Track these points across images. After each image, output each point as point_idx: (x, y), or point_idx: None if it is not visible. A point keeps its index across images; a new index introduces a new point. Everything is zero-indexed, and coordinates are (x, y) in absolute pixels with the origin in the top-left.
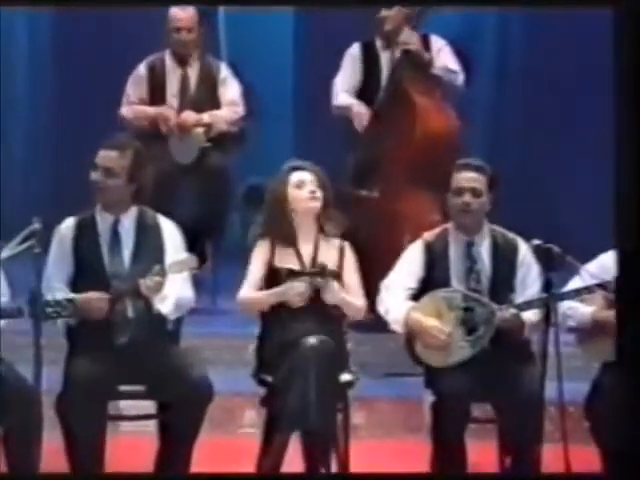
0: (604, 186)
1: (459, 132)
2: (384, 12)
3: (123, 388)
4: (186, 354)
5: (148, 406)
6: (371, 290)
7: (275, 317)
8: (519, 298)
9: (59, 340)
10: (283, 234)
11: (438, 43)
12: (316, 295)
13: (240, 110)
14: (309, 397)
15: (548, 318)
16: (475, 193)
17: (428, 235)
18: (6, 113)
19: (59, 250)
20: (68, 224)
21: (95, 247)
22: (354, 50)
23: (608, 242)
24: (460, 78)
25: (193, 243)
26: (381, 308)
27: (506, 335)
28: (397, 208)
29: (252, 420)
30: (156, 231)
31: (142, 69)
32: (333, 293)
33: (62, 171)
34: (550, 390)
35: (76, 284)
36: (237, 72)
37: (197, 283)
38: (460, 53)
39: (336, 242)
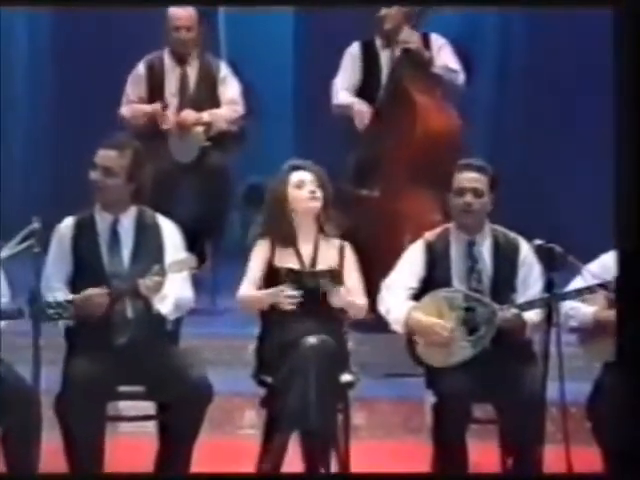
0: (605, 186)
1: (460, 131)
2: (384, 11)
3: (122, 389)
4: (186, 354)
5: (147, 407)
6: (372, 290)
7: (275, 317)
8: (520, 298)
9: (58, 340)
10: (283, 234)
11: (438, 42)
12: (316, 295)
13: (240, 109)
14: (309, 397)
15: (550, 318)
16: (477, 193)
17: (429, 235)
18: (6, 113)
19: (58, 250)
20: (67, 224)
21: (94, 247)
22: (354, 49)
23: (609, 242)
24: (461, 77)
25: (193, 243)
26: (382, 308)
27: (507, 335)
28: (398, 208)
29: (252, 421)
30: (155, 231)
31: (141, 68)
32: (339, 296)
33: (61, 170)
34: (552, 390)
35: (75, 284)
36: (237, 71)
37: (197, 283)
38: (461, 53)
39: (336, 242)
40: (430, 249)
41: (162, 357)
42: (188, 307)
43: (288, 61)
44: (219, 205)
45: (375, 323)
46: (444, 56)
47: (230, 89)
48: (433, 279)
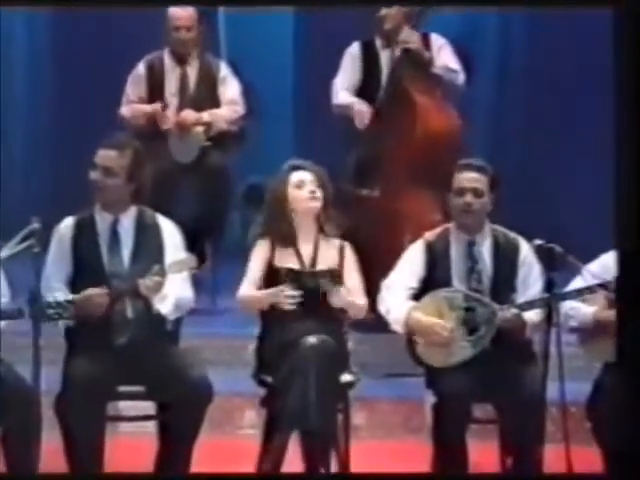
0: (605, 186)
1: (460, 131)
2: (384, 11)
3: (122, 389)
4: (185, 354)
5: (147, 407)
6: (372, 290)
7: (275, 317)
8: (520, 298)
9: (58, 340)
10: (283, 234)
11: (438, 42)
12: (316, 295)
13: (240, 109)
14: (309, 396)
15: (550, 318)
16: (477, 193)
17: (429, 235)
18: (5, 113)
19: (58, 250)
20: (67, 224)
21: (94, 247)
22: (354, 49)
23: (609, 242)
24: (461, 77)
25: (193, 243)
26: (382, 308)
27: (507, 335)
28: (398, 207)
29: (252, 421)
30: (155, 231)
31: (141, 68)
32: (339, 297)
33: (61, 170)
34: (552, 390)
35: (75, 284)
36: (237, 71)
37: (197, 283)
38: (460, 53)
39: (336, 242)
40: (430, 249)
41: (162, 357)
42: (188, 307)
43: (288, 61)
44: (219, 205)
45: (375, 323)
46: (444, 56)
47: (230, 89)
48: (433, 279)
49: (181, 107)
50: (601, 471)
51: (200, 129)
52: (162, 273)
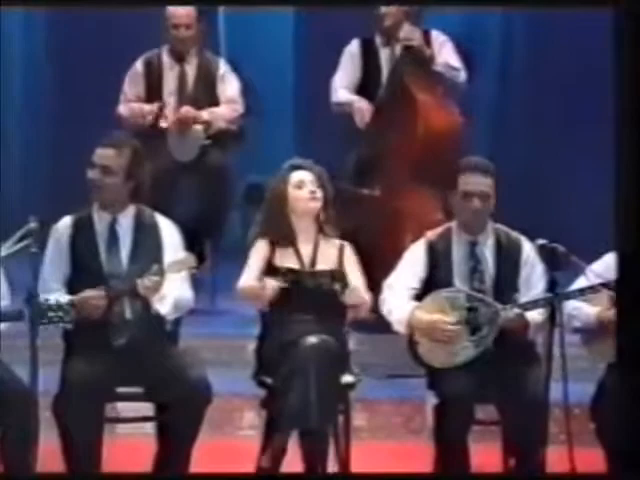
0: (608, 185)
1: (461, 129)
2: (384, 8)
3: (121, 390)
4: (185, 355)
5: (146, 408)
6: (373, 290)
7: (275, 317)
8: (523, 298)
9: (56, 341)
10: (282, 234)
11: (439, 39)
12: (316, 295)
13: (239, 108)
14: (309, 396)
15: (553, 318)
16: (483, 197)
17: (431, 234)
18: (3, 112)
19: (56, 249)
20: (65, 223)
21: (92, 246)
22: (353, 47)
23: (613, 242)
24: (462, 75)
25: (192, 242)
26: (384, 308)
27: (510, 335)
28: (399, 207)
29: (251, 422)
30: (154, 230)
31: (139, 66)
32: (354, 294)
33: (59, 169)
34: (555, 391)
35: (73, 284)
36: (237, 70)
37: (196, 283)
38: (462, 51)
39: (336, 242)
40: (432, 249)
41: (161, 358)
42: (187, 307)
43: (288, 60)
44: (218, 204)
45: (376, 323)
46: (445, 53)
47: (229, 87)
48: (435, 279)
49: (179, 105)
50: (604, 473)
51: (199, 128)
52: (161, 273)
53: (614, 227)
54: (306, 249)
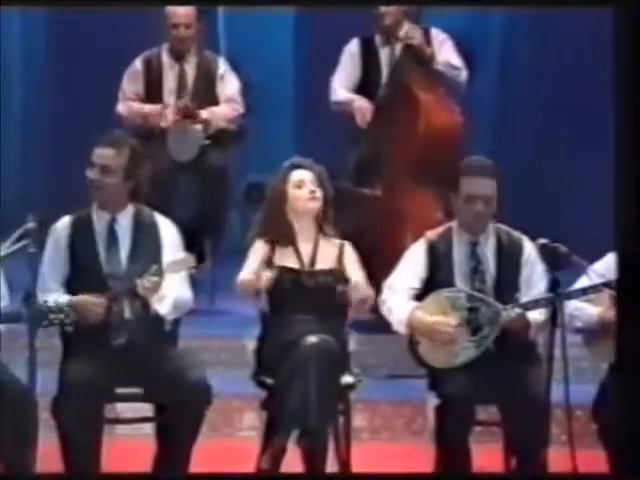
0: (610, 185)
1: (462, 129)
2: (383, 7)
3: (120, 390)
4: (184, 356)
5: (145, 409)
6: (374, 289)
7: (275, 317)
8: (524, 297)
9: (55, 342)
10: (281, 233)
11: (439, 37)
12: (316, 295)
13: (239, 107)
14: (309, 396)
15: (554, 319)
16: (487, 200)
17: (431, 234)
18: (2, 112)
19: (54, 249)
20: (63, 223)
21: (91, 246)
22: (352, 46)
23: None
24: (463, 74)
25: (191, 242)
26: (384, 308)
27: (512, 335)
28: (399, 206)
29: (251, 423)
30: (153, 230)
31: (138, 64)
32: (359, 289)
33: (58, 169)
34: (556, 392)
35: (72, 284)
36: (236, 69)
37: (195, 283)
38: (462, 50)
39: (336, 241)
40: (432, 249)
41: (160, 358)
42: (187, 308)
43: (288, 59)
44: (218, 204)
45: (377, 324)
46: (445, 52)
47: (229, 87)
48: (435, 279)
49: (179, 110)
50: (606, 474)
51: (199, 127)
52: (160, 273)
53: (614, 227)
54: (306, 248)
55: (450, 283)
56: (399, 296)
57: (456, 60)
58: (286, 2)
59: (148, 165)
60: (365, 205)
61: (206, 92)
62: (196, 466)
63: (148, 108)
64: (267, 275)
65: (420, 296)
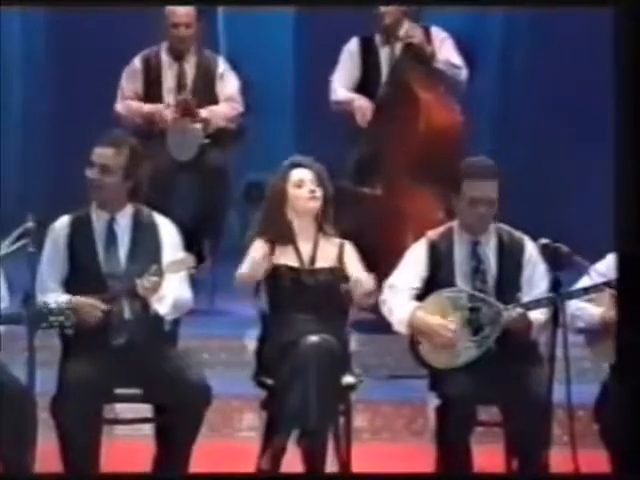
0: (610, 185)
1: (463, 127)
2: (383, 7)
3: (119, 391)
4: (184, 356)
5: (145, 409)
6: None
7: (275, 318)
8: (526, 297)
9: (54, 342)
10: (280, 233)
11: (440, 35)
12: (316, 293)
13: (239, 106)
14: (309, 396)
15: (556, 318)
16: (490, 203)
17: (432, 234)
18: (2, 112)
19: (53, 249)
20: (62, 222)
21: (90, 246)
22: (352, 45)
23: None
24: (463, 73)
25: (191, 242)
26: (385, 308)
27: (513, 335)
28: (400, 205)
29: (251, 423)
30: (153, 230)
31: (137, 63)
32: (362, 283)
33: (57, 168)
34: (558, 392)
35: (71, 284)
36: (236, 68)
37: (195, 283)
38: (463, 50)
39: (336, 240)
40: (433, 248)
41: (160, 359)
42: (187, 308)
43: (288, 58)
44: (218, 204)
45: (378, 324)
46: (446, 51)
47: (229, 86)
48: (436, 279)
49: (178, 104)
50: (609, 474)
51: (198, 126)
52: (160, 273)
53: (614, 227)
54: (306, 248)
55: (451, 283)
56: (400, 296)
57: (456, 59)
58: (286, 2)
59: (148, 164)
60: (365, 204)
61: (205, 91)
62: (195, 467)
63: (147, 107)
64: (265, 265)
65: (421, 296)
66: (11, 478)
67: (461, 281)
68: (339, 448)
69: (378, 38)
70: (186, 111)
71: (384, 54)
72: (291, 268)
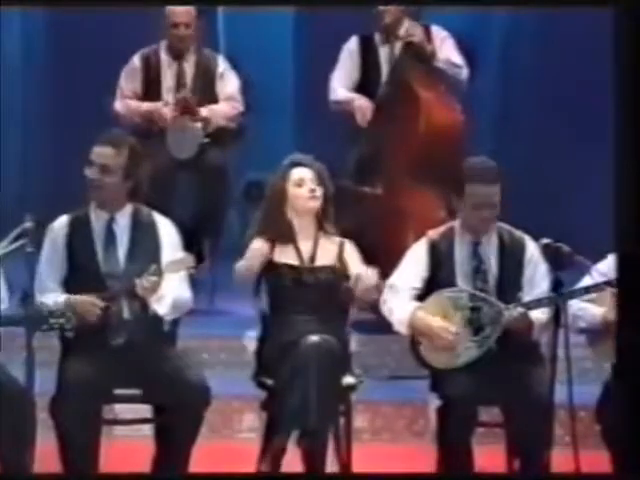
0: (610, 185)
1: (463, 126)
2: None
3: (119, 391)
4: (183, 356)
5: (144, 409)
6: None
7: (275, 318)
8: (527, 297)
9: (53, 341)
10: (280, 232)
11: (440, 34)
12: (316, 292)
13: (239, 105)
14: (310, 396)
15: (557, 318)
16: (493, 206)
17: (433, 233)
18: (2, 111)
19: (52, 249)
20: (61, 222)
21: (89, 246)
22: (351, 44)
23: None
24: (464, 72)
25: (190, 242)
26: (385, 308)
27: (514, 335)
28: (400, 205)
29: (251, 424)
30: (152, 229)
31: (136, 61)
32: (363, 279)
33: (57, 168)
34: (560, 393)
35: (70, 284)
36: (236, 68)
37: (195, 283)
38: (464, 49)
39: (336, 239)
40: (434, 248)
41: (159, 359)
42: (186, 308)
43: (288, 57)
44: (218, 203)
45: (378, 324)
46: (446, 50)
47: (229, 85)
48: (437, 279)
49: (178, 102)
50: (610, 475)
51: (198, 125)
52: (159, 273)
53: (614, 227)
54: (306, 246)
55: (452, 283)
56: (400, 296)
57: (457, 58)
58: (286, 2)
59: (147, 164)
60: (366, 204)
61: (205, 90)
62: (195, 467)
63: (146, 105)
64: (262, 259)
65: (422, 296)
66: (10, 478)
67: (462, 281)
68: (339, 449)
69: (378, 37)
70: (186, 109)
71: (384, 53)
72: (291, 267)
